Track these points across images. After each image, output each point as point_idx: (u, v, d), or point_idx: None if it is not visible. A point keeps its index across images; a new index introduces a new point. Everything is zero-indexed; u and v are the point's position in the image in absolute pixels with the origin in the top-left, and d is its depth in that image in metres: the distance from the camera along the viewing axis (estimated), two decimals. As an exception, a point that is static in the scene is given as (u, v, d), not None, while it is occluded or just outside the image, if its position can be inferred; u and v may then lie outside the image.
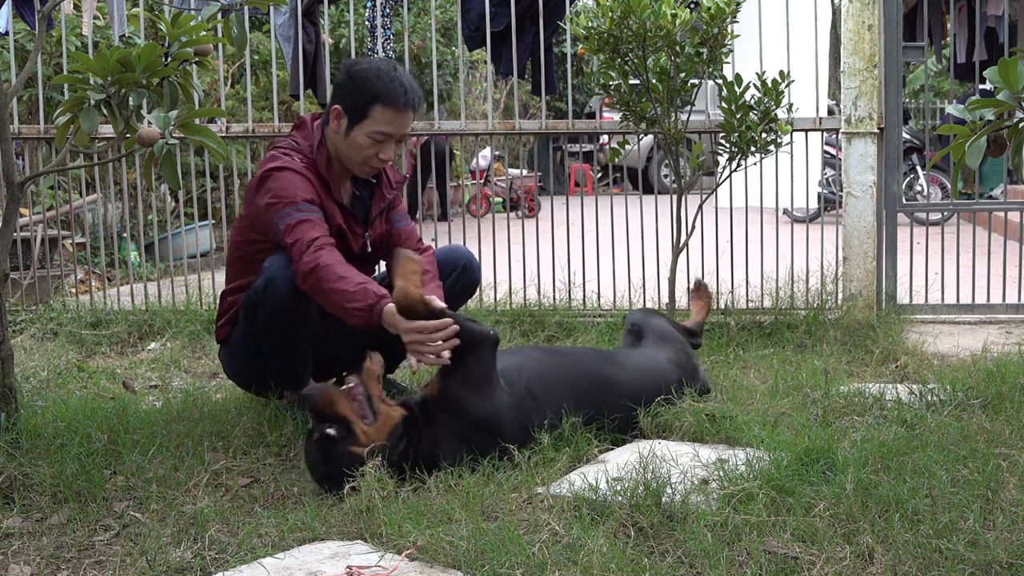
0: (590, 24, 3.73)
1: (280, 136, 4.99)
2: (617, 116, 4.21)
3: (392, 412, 2.51)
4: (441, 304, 2.61)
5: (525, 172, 10.72)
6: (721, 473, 2.30)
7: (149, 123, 2.72)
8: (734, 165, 3.98)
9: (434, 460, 2.50)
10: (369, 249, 3.09)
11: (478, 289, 3.45)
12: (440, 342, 2.54)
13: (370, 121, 2.89)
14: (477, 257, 4.87)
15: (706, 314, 3.54)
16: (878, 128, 4.46)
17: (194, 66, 3.77)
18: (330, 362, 3.17)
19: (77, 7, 6.54)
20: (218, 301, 3.24)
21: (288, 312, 2.88)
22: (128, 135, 2.70)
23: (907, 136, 9.75)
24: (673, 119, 3.94)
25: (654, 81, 3.85)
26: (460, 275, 3.24)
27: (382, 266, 3.35)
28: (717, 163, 4.09)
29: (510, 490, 2.33)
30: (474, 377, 2.57)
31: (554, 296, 4.81)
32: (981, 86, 8.23)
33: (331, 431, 2.41)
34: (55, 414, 2.87)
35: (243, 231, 3.05)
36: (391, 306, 2.61)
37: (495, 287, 4.86)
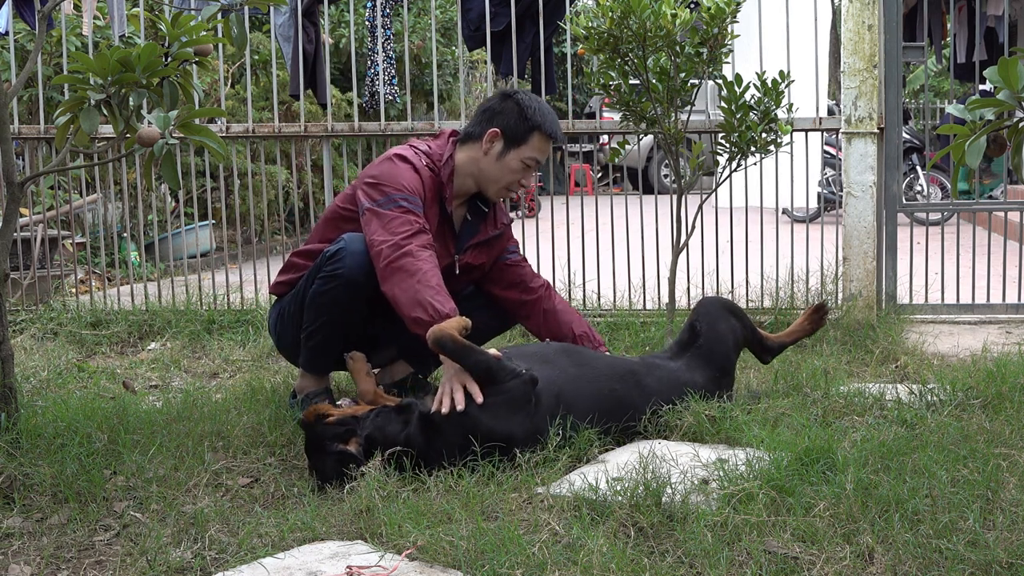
0: (590, 24, 3.72)
1: (280, 136, 5.02)
2: (617, 116, 4.21)
3: (368, 406, 2.69)
4: (473, 345, 2.65)
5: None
6: (721, 473, 2.30)
7: (149, 123, 2.72)
8: (734, 165, 3.98)
9: (429, 465, 2.49)
10: (457, 271, 3.16)
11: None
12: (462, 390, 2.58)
13: (527, 147, 3.07)
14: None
15: (799, 339, 3.36)
16: (878, 128, 4.46)
17: (194, 66, 3.77)
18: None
19: (77, 7, 6.54)
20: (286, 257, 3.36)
21: (345, 288, 2.95)
22: (128, 135, 2.70)
23: (907, 136, 9.75)
24: (673, 119, 3.94)
25: (654, 81, 3.85)
26: None
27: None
28: (717, 163, 4.09)
29: (510, 490, 2.33)
30: (499, 404, 2.55)
31: (554, 296, 4.80)
32: (981, 86, 8.24)
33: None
34: (55, 414, 2.86)
35: (343, 199, 3.15)
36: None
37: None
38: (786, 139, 4.21)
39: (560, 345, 2.98)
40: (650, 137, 4.75)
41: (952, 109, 2.28)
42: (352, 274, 2.93)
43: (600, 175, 10.72)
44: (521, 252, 3.40)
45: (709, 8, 3.67)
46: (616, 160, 4.23)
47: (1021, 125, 2.01)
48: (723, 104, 3.87)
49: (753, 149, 3.90)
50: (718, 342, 3.02)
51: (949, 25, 8.68)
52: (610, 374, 2.79)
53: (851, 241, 4.49)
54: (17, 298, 5.15)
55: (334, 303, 2.98)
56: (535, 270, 3.40)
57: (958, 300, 4.91)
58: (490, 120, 3.09)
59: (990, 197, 9.87)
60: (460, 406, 2.54)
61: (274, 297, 3.33)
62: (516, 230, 6.84)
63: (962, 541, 1.93)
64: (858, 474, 2.21)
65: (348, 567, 1.94)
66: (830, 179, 8.73)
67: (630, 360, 3.02)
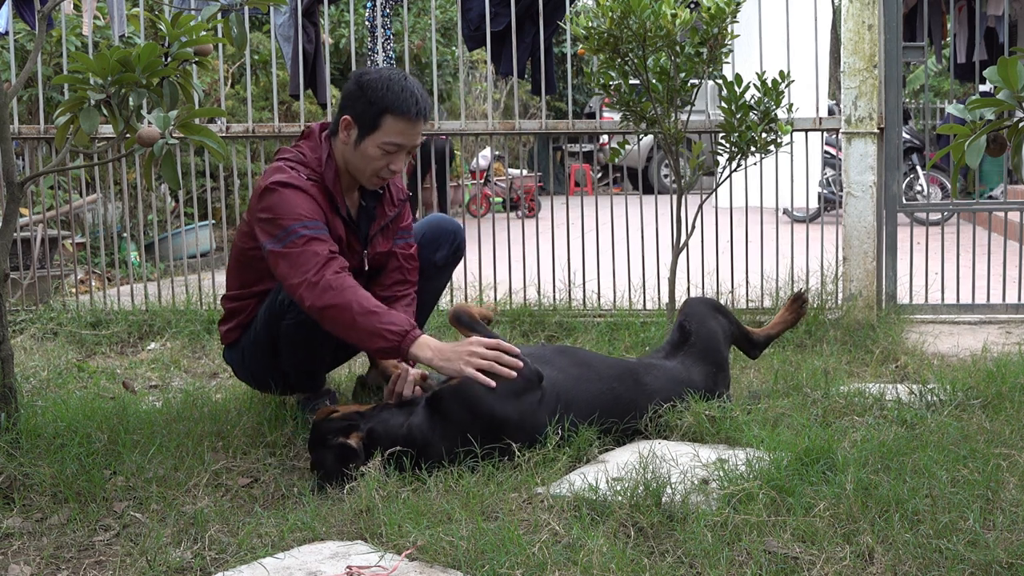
0: (590, 24, 3.72)
1: (280, 136, 5.01)
2: (617, 116, 4.21)
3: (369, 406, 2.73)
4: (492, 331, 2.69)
5: (525, 172, 10.72)
6: (721, 473, 2.30)
7: (149, 123, 2.72)
8: (734, 165, 3.98)
9: (428, 449, 2.51)
10: (367, 267, 3.04)
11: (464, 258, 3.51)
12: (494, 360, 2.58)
13: (381, 132, 2.83)
14: (476, 254, 4.89)
15: (784, 330, 3.39)
16: (878, 128, 4.46)
17: (194, 66, 3.77)
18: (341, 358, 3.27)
19: (77, 7, 6.54)
20: (219, 304, 3.23)
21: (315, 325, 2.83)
22: (128, 135, 2.70)
23: (907, 136, 9.75)
24: (673, 119, 3.93)
25: (654, 81, 3.85)
26: (453, 243, 3.32)
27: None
28: (717, 163, 4.09)
29: (510, 490, 2.33)
30: (507, 391, 2.58)
31: (554, 296, 4.81)
32: (982, 87, 8.23)
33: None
34: (55, 414, 2.86)
35: (243, 237, 3.00)
36: (424, 338, 2.65)
37: (495, 287, 4.86)
38: (786, 139, 4.22)
39: (557, 346, 2.98)
40: (650, 137, 4.75)
41: (952, 109, 2.28)
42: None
43: (600, 175, 10.73)
44: (413, 239, 3.20)
45: (709, 8, 3.67)
46: (616, 160, 4.23)
47: (1021, 125, 2.01)
48: (723, 104, 3.87)
49: (753, 149, 3.91)
50: (710, 339, 3.03)
51: (949, 25, 8.68)
52: (609, 374, 2.80)
53: (851, 241, 4.49)
54: (17, 298, 5.14)
55: (311, 336, 2.89)
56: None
57: (958, 300, 4.91)
58: (343, 108, 2.88)
59: (990, 197, 9.87)
60: (492, 383, 2.55)
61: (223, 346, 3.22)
62: (516, 230, 6.85)
63: (962, 541, 1.93)
64: (858, 474, 2.21)
65: (348, 567, 1.94)
66: (830, 179, 8.74)
67: (627, 360, 3.03)
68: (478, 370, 2.56)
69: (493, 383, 2.55)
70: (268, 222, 2.78)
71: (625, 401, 2.75)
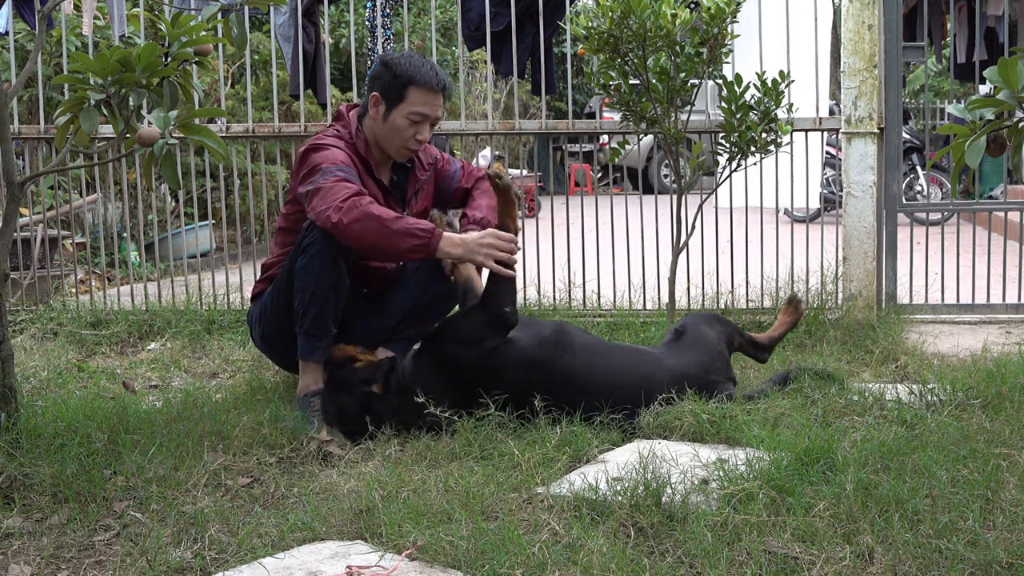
0: (590, 24, 3.72)
1: (280, 136, 5.01)
2: (617, 116, 4.21)
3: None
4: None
5: (525, 172, 10.71)
6: (721, 473, 2.30)
7: (149, 123, 2.72)
8: (734, 165, 3.98)
9: (407, 379, 2.87)
10: None
11: None
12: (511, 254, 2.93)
13: (407, 103, 3.13)
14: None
15: (786, 331, 3.50)
16: (878, 128, 4.46)
17: (194, 66, 3.77)
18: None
19: (77, 7, 6.54)
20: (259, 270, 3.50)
21: (326, 245, 3.02)
22: (128, 135, 2.70)
23: (907, 136, 9.75)
24: (673, 119, 3.93)
25: (654, 81, 3.85)
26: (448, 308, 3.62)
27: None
28: (717, 163, 4.09)
29: (510, 490, 2.33)
30: (471, 326, 2.93)
31: (554, 296, 4.81)
32: (982, 87, 8.23)
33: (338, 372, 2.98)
34: (55, 414, 2.86)
35: (288, 205, 3.30)
36: (449, 234, 2.95)
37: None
38: (786, 139, 4.21)
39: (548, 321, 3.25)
40: (650, 137, 4.75)
41: (952, 109, 2.28)
42: (330, 239, 3.04)
43: (600, 175, 10.73)
44: (462, 168, 3.48)
45: (709, 8, 3.67)
46: (616, 160, 4.23)
47: (1021, 125, 2.01)
48: (723, 104, 3.87)
49: (753, 149, 3.90)
50: (702, 336, 3.17)
51: (949, 25, 8.67)
52: (583, 341, 2.99)
53: (851, 241, 4.49)
54: (17, 298, 5.14)
55: (320, 268, 3.03)
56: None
57: (958, 300, 4.91)
58: (371, 88, 3.20)
59: (990, 197, 9.87)
60: (512, 274, 2.94)
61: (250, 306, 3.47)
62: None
63: (962, 541, 1.93)
64: (858, 474, 2.21)
65: (348, 567, 1.94)
66: (830, 179, 8.74)
67: (611, 344, 3.26)
68: (497, 262, 2.91)
69: (513, 273, 2.93)
70: (307, 173, 3.07)
71: (587, 369, 2.90)
